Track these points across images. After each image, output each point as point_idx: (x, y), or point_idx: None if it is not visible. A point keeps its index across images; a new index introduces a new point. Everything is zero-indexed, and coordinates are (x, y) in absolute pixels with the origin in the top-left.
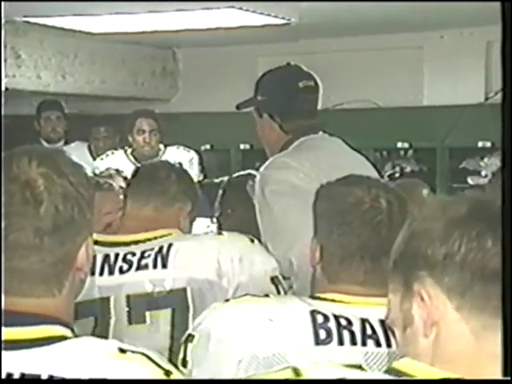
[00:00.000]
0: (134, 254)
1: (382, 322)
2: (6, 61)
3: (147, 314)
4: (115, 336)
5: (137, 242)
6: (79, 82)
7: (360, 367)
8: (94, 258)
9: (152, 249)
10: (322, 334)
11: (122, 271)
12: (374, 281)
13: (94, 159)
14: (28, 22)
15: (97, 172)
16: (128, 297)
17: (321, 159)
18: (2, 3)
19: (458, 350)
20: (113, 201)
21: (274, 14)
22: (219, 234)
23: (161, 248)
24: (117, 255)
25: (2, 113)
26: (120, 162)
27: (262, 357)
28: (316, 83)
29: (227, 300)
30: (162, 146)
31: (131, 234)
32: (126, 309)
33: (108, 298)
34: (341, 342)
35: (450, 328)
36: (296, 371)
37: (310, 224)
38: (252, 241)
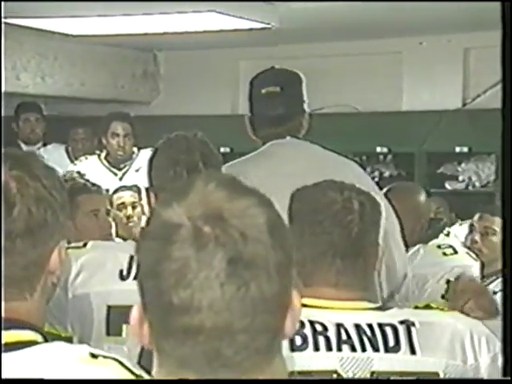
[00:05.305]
0: None
1: (357, 327)
2: None
3: None
4: None
5: None
6: (59, 83)
7: (336, 372)
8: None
9: None
10: (298, 341)
11: None
12: (346, 282)
13: (72, 161)
14: (7, 23)
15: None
16: None
17: (262, 167)
18: (2, 3)
19: None
20: (99, 202)
21: (254, 18)
22: None
23: None
24: None
25: (2, 113)
26: (93, 167)
27: None
28: (283, 89)
29: None
30: (135, 149)
31: None
32: None
33: None
34: (316, 348)
35: None
36: None
37: None
38: None
